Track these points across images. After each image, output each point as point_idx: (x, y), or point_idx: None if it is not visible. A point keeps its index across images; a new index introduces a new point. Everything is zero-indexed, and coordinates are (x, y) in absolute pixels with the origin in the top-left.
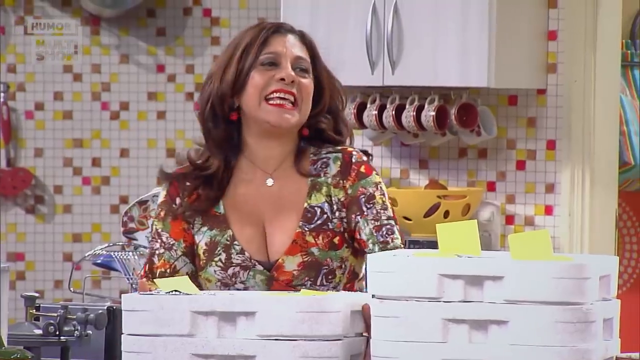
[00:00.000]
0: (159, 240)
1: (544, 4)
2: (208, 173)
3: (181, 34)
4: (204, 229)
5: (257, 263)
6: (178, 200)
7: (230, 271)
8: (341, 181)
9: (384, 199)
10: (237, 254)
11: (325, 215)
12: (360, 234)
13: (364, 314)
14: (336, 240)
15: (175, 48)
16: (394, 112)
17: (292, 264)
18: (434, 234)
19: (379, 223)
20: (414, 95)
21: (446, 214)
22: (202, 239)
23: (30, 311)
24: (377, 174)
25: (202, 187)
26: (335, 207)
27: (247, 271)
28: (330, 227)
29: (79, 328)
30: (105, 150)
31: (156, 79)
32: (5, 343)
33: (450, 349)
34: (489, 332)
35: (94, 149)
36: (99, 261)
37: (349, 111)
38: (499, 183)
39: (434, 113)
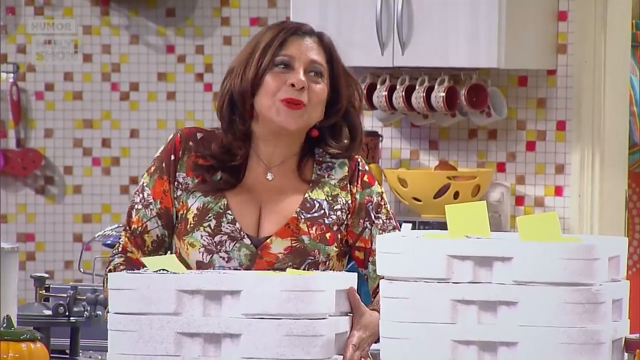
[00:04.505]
0: (141, 195)
1: None
2: (232, 164)
3: (191, 15)
4: (198, 193)
5: (246, 236)
6: (172, 157)
7: (217, 238)
8: (349, 185)
9: (388, 209)
10: (227, 223)
11: (322, 211)
12: (370, 243)
13: (349, 296)
14: (328, 235)
15: (185, 29)
16: (403, 93)
17: (279, 246)
18: (444, 215)
19: (386, 233)
20: (424, 76)
21: (456, 195)
22: (195, 203)
23: (40, 292)
24: (378, 184)
25: (220, 171)
26: (337, 206)
27: (234, 242)
28: (326, 222)
29: (88, 309)
30: (115, 131)
31: (166, 60)
32: (15, 323)
33: (459, 330)
34: (498, 313)
35: (104, 130)
36: (108, 242)
37: None
38: (509, 164)
39: (443, 94)
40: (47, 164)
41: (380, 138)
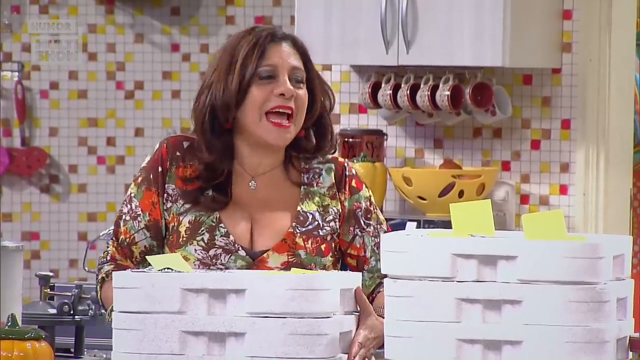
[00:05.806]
0: (129, 206)
1: None
2: (217, 181)
3: (196, 13)
4: (188, 206)
5: (240, 248)
6: (160, 169)
7: (211, 252)
8: (337, 193)
9: (377, 213)
10: (221, 236)
11: (316, 222)
12: (363, 251)
13: (356, 296)
14: (323, 247)
15: (189, 27)
16: (408, 92)
17: (276, 261)
18: (449, 214)
19: (378, 240)
20: (429, 74)
21: (461, 194)
22: (186, 216)
23: (45, 290)
24: (366, 187)
25: (211, 189)
26: (329, 216)
27: (229, 255)
28: (321, 234)
29: (93, 307)
30: (120, 130)
31: (171, 58)
32: (20, 322)
33: (463, 329)
34: (503, 311)
35: (109, 128)
36: None
37: (365, 91)
38: (514, 162)
39: (448, 92)
40: (51, 162)
41: (385, 137)
